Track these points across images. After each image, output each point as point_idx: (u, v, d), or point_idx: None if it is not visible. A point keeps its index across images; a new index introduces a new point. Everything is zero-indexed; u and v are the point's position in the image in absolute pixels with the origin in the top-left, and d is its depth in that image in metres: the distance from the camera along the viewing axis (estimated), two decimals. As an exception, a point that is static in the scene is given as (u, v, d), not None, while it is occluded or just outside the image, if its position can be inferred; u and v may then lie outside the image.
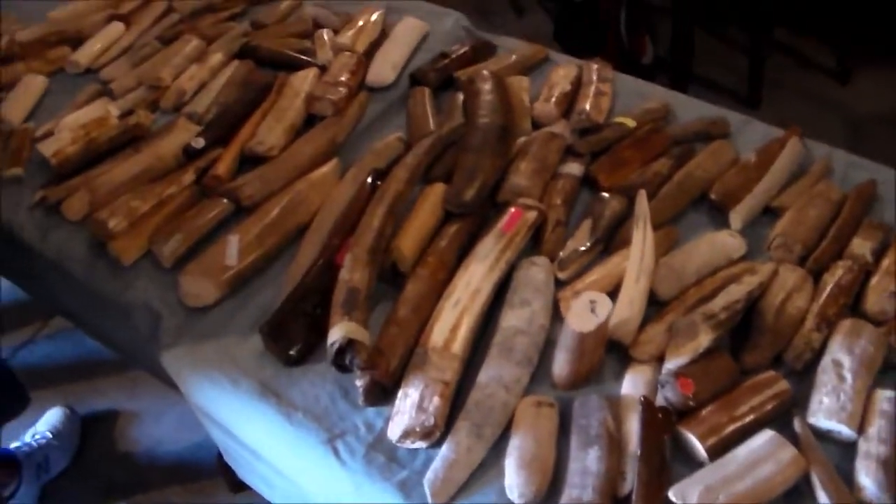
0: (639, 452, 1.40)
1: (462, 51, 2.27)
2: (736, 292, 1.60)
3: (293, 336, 1.64)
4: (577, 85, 2.15)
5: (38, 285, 2.19)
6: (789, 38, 4.18)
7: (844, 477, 1.41)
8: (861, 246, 1.71)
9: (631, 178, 1.87)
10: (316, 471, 1.55)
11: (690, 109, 2.13)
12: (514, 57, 2.26)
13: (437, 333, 1.57)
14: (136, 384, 2.95)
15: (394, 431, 1.50)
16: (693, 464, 1.45)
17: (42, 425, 2.79)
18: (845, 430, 1.45)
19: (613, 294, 1.61)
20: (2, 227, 2.04)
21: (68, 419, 2.82)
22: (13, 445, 2.71)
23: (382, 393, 1.55)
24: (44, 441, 2.73)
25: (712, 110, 2.12)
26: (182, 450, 2.76)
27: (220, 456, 2.40)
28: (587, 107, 2.04)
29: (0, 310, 3.17)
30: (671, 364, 1.52)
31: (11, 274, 2.39)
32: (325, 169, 1.95)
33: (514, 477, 1.42)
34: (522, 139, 1.96)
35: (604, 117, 2.04)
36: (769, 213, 1.84)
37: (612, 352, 1.60)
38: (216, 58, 2.31)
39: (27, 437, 2.74)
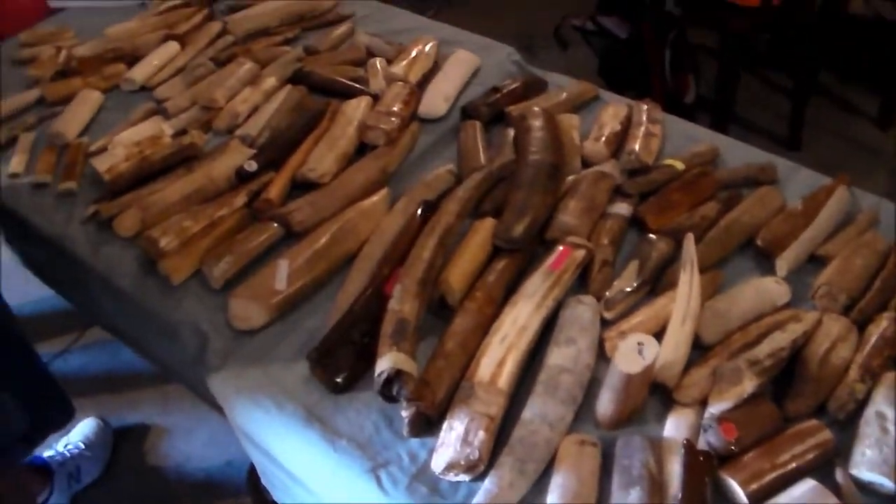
0: (680, 495, 1.41)
1: (513, 86, 2.29)
2: (781, 340, 1.61)
3: (340, 363, 1.65)
4: (627, 125, 2.16)
5: (84, 298, 2.22)
6: (831, 82, 4.19)
7: (886, 531, 1.42)
8: (906, 298, 1.72)
9: (678, 220, 1.89)
10: (358, 499, 1.56)
11: (736, 152, 2.14)
12: (564, 94, 2.28)
13: (484, 368, 1.59)
14: (168, 399, 2.97)
15: (438, 463, 1.51)
16: (734, 510, 1.46)
17: (75, 435, 2.81)
18: (887, 483, 1.45)
19: (658, 336, 1.62)
20: (53, 239, 2.07)
21: (101, 430, 2.84)
22: (46, 454, 2.73)
23: (427, 424, 1.56)
24: (76, 451, 2.75)
25: (758, 154, 2.13)
26: (211, 467, 2.77)
27: (250, 475, 2.42)
28: (637, 147, 2.05)
29: (37, 319, 3.20)
30: (714, 408, 1.53)
31: (58, 285, 2.42)
32: (376, 198, 1.97)
33: (555, 514, 1.43)
34: (572, 177, 1.98)
35: (653, 159, 2.06)
36: (815, 261, 1.85)
37: (656, 394, 1.61)
38: (269, 82, 2.34)
39: (60, 447, 2.77)
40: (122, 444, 2.88)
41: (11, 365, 2.25)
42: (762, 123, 4.00)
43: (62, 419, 2.49)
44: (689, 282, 1.71)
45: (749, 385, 1.52)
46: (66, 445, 2.76)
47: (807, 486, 1.44)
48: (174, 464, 2.80)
